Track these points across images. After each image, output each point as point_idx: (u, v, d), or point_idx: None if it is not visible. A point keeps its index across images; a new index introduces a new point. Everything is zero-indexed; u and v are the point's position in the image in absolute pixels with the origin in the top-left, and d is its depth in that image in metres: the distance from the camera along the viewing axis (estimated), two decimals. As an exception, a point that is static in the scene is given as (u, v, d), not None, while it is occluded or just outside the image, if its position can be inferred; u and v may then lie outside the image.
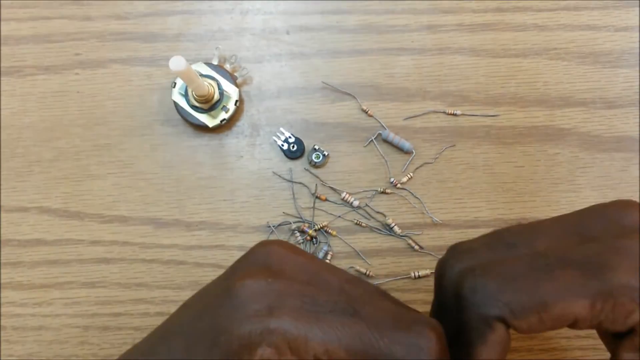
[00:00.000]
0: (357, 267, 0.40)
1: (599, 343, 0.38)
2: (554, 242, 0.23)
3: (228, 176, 0.41)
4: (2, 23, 0.44)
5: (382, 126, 0.42)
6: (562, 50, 0.43)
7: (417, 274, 0.39)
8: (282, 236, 0.40)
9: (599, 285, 0.20)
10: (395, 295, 0.39)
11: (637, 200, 0.40)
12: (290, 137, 0.41)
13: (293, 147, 0.41)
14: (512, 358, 0.39)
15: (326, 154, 0.41)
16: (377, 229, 0.40)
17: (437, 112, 0.42)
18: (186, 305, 0.25)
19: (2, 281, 0.40)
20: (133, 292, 0.40)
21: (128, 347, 0.39)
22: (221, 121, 0.40)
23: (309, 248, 0.40)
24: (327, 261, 0.40)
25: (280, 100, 0.42)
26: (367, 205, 0.41)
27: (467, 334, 0.22)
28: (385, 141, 0.41)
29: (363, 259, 0.40)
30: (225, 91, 0.41)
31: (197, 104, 0.40)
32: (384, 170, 0.41)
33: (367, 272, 0.39)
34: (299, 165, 0.41)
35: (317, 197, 0.41)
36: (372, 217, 0.41)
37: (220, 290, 0.23)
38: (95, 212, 0.41)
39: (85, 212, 0.41)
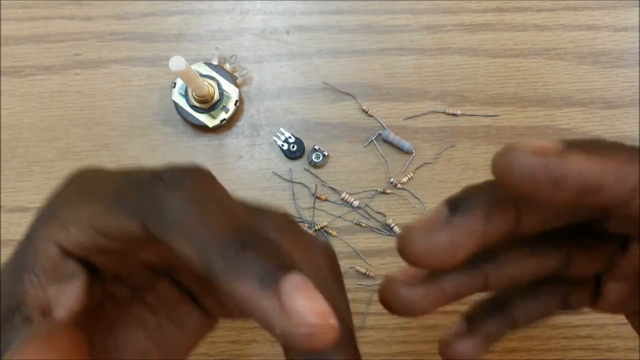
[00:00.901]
0: (357, 267, 0.40)
1: (599, 343, 0.39)
2: None
3: (228, 176, 0.41)
4: (2, 23, 0.44)
5: (382, 126, 0.42)
6: (562, 50, 0.43)
7: (417, 274, 0.39)
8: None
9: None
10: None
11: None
12: (290, 137, 0.41)
13: (293, 147, 0.41)
14: (512, 358, 0.39)
15: (326, 154, 0.41)
16: (377, 229, 0.40)
17: (437, 112, 0.42)
18: None
19: (2, 281, 0.40)
20: (133, 292, 0.40)
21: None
22: (221, 121, 0.40)
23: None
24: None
25: (280, 100, 0.42)
26: (367, 205, 0.41)
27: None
28: (385, 141, 0.41)
29: (363, 259, 0.40)
30: (225, 91, 0.41)
31: (197, 104, 0.40)
32: (384, 170, 0.41)
33: (367, 272, 0.39)
34: (299, 165, 0.41)
35: (317, 197, 0.41)
36: (372, 217, 0.41)
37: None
38: (95, 212, 0.41)
39: (85, 212, 0.41)
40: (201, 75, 0.40)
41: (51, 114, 0.42)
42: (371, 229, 0.40)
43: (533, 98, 0.42)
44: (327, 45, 0.43)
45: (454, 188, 0.41)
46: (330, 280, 0.19)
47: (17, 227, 0.41)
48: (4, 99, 0.42)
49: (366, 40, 0.43)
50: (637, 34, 0.43)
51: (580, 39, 0.43)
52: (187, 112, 0.40)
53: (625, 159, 0.16)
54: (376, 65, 0.43)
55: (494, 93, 0.42)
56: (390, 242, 0.40)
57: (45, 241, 0.19)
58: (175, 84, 0.41)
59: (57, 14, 0.44)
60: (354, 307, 0.39)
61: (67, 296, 0.19)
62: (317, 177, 0.41)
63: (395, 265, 0.40)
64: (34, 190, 0.41)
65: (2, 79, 0.43)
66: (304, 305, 0.14)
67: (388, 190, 0.41)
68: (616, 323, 0.39)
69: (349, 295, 0.40)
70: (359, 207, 0.41)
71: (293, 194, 0.41)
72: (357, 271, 0.40)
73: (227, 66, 0.42)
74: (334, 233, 0.40)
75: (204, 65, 0.41)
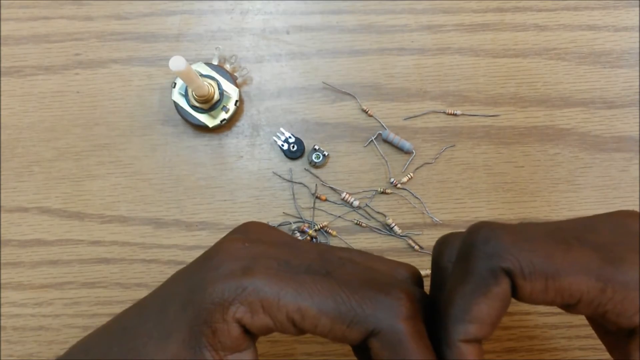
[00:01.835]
0: (357, 267, 0.40)
1: (599, 343, 0.38)
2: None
3: (228, 176, 0.41)
4: (2, 23, 0.44)
5: (382, 126, 0.42)
6: (562, 50, 0.43)
7: (417, 274, 0.39)
8: (282, 236, 0.40)
9: (615, 273, 0.20)
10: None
11: (638, 199, 0.41)
12: (290, 137, 0.41)
13: (293, 147, 0.41)
14: (512, 358, 0.39)
15: (326, 154, 0.41)
16: (377, 229, 0.40)
17: (437, 112, 0.42)
18: (169, 277, 0.26)
19: (2, 281, 0.40)
20: (133, 292, 0.40)
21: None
22: (221, 121, 0.40)
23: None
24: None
25: (280, 100, 0.42)
26: (367, 205, 0.41)
27: (467, 286, 0.21)
28: (385, 141, 0.41)
29: (363, 259, 0.40)
30: (225, 91, 0.41)
31: (197, 104, 0.40)
32: (384, 170, 0.41)
33: (367, 272, 0.39)
34: (299, 165, 0.41)
35: (317, 197, 0.41)
36: (372, 217, 0.41)
37: (200, 257, 0.24)
38: (95, 212, 0.41)
39: (85, 212, 0.41)
40: (201, 75, 0.40)
41: (51, 114, 0.42)
42: (371, 229, 0.40)
43: (533, 98, 0.42)
44: (327, 45, 0.43)
45: (454, 188, 0.41)
46: None
47: (17, 227, 0.41)
48: (4, 99, 0.42)
49: (366, 40, 0.43)
50: (637, 34, 0.43)
51: (580, 39, 0.43)
52: (187, 112, 0.40)
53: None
54: (376, 65, 0.43)
55: (494, 93, 0.42)
56: (390, 242, 0.40)
57: (226, 323, 0.20)
58: (175, 84, 0.41)
59: (57, 14, 0.44)
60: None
61: None
62: (317, 177, 0.41)
63: (395, 265, 0.40)
64: (34, 190, 0.41)
65: (2, 79, 0.43)
66: None
67: (388, 190, 0.41)
68: (616, 323, 0.39)
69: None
70: (359, 207, 0.41)
71: (293, 194, 0.41)
72: (357, 271, 0.40)
73: (227, 66, 0.42)
74: (334, 233, 0.40)
75: (204, 65, 0.41)
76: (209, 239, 0.40)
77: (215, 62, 0.41)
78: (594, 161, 0.41)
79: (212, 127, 0.40)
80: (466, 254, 0.21)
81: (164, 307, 0.22)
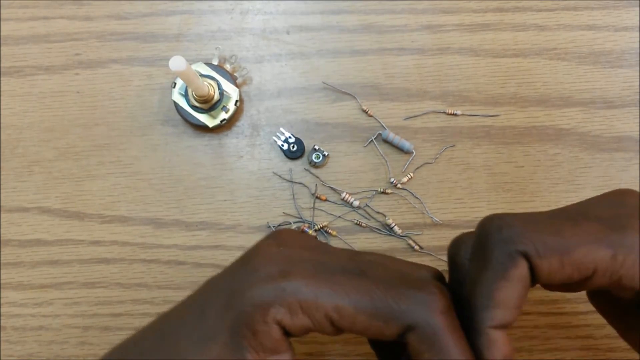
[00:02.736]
0: (357, 267, 0.40)
1: (599, 343, 0.39)
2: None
3: (228, 176, 0.41)
4: (2, 23, 0.44)
5: (382, 126, 0.42)
6: (562, 50, 0.43)
7: (417, 274, 0.39)
8: (282, 236, 0.40)
9: (622, 238, 0.21)
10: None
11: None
12: (290, 137, 0.41)
13: (293, 147, 0.41)
14: (511, 358, 0.39)
15: (326, 154, 0.41)
16: (377, 229, 0.40)
17: (437, 112, 0.42)
18: (205, 282, 0.26)
19: (2, 281, 0.40)
20: (133, 292, 0.40)
21: (128, 347, 0.39)
22: (221, 121, 0.40)
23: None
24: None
25: (280, 100, 0.42)
26: (367, 205, 0.41)
27: (487, 273, 0.21)
28: (385, 141, 0.41)
29: (363, 259, 0.40)
30: (225, 91, 0.41)
31: (197, 104, 0.40)
32: (384, 170, 0.41)
33: (367, 272, 0.39)
34: (299, 165, 0.41)
35: (317, 197, 0.41)
36: (372, 217, 0.41)
37: (236, 262, 0.25)
38: (95, 212, 0.41)
39: (85, 212, 0.41)
40: (201, 75, 0.40)
41: (51, 114, 0.42)
42: (371, 229, 0.40)
43: (533, 98, 0.42)
44: (327, 45, 0.43)
45: (454, 188, 0.41)
46: None
47: (17, 227, 0.41)
48: (4, 99, 0.42)
49: (366, 40, 0.43)
50: (637, 34, 0.43)
51: (580, 39, 0.43)
52: (187, 112, 0.40)
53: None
54: (376, 65, 0.43)
55: (494, 93, 0.42)
56: (391, 242, 0.40)
57: (267, 325, 0.21)
58: (175, 84, 0.41)
59: (57, 14, 0.44)
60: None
61: None
62: (317, 177, 0.41)
63: (395, 265, 0.40)
64: (34, 190, 0.41)
65: (2, 79, 0.43)
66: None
67: (388, 190, 0.41)
68: (616, 323, 0.39)
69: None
70: (359, 207, 0.41)
71: (293, 194, 0.41)
72: (357, 271, 0.40)
73: (227, 66, 0.42)
74: (334, 233, 0.40)
75: (204, 65, 0.41)
76: (209, 239, 0.40)
77: (215, 62, 0.41)
78: (594, 161, 0.41)
79: (212, 127, 0.40)
80: (482, 244, 0.22)
81: (203, 311, 0.23)
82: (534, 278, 0.21)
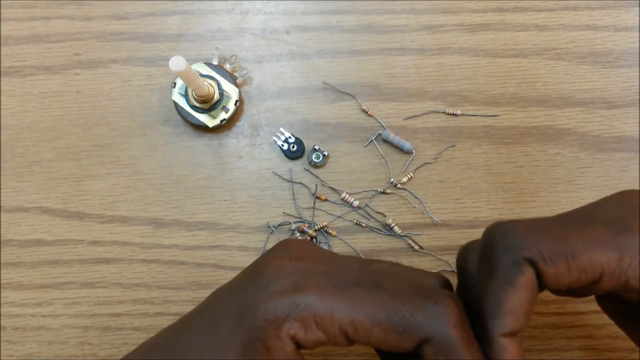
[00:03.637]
0: (357, 267, 0.40)
1: (599, 343, 0.39)
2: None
3: (228, 176, 0.41)
4: (2, 23, 0.44)
5: (382, 126, 0.42)
6: (562, 50, 0.43)
7: (417, 274, 0.39)
8: (283, 236, 0.40)
9: (628, 240, 0.21)
10: (395, 295, 0.40)
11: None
12: (290, 137, 0.41)
13: (293, 147, 0.41)
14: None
15: (326, 154, 0.41)
16: (377, 229, 0.40)
17: (437, 112, 0.42)
18: (212, 294, 0.26)
19: (2, 281, 0.40)
20: (133, 292, 0.40)
21: (128, 347, 0.39)
22: (221, 121, 0.40)
23: (309, 248, 0.40)
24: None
25: (280, 100, 0.42)
26: (367, 205, 0.41)
27: (495, 281, 0.21)
28: (385, 141, 0.41)
29: (363, 259, 0.40)
30: (225, 91, 0.41)
31: (197, 104, 0.40)
32: (384, 170, 0.41)
33: (367, 272, 0.39)
34: (299, 165, 0.41)
35: (317, 197, 0.41)
36: (372, 217, 0.41)
37: (246, 275, 0.24)
38: (95, 212, 0.41)
39: (85, 212, 0.41)
40: (201, 75, 0.40)
41: (51, 114, 0.42)
42: (371, 229, 0.40)
43: (533, 98, 0.42)
44: (327, 45, 0.43)
45: (454, 188, 0.41)
46: None
47: (17, 227, 0.41)
48: (4, 99, 0.42)
49: (366, 40, 0.43)
50: (637, 34, 0.43)
51: (580, 39, 0.43)
52: (187, 112, 0.40)
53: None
54: (376, 65, 0.43)
55: (494, 93, 0.42)
56: (390, 242, 0.40)
57: (280, 340, 0.21)
58: (175, 84, 0.41)
59: (57, 14, 0.44)
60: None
61: None
62: (317, 177, 0.41)
63: (395, 265, 0.40)
64: (34, 190, 0.41)
65: (2, 79, 0.43)
66: None
67: (388, 190, 0.41)
68: (616, 323, 0.39)
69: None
70: (359, 207, 0.41)
71: (293, 194, 0.41)
72: (357, 271, 0.40)
73: (227, 66, 0.42)
74: (334, 233, 0.40)
75: (204, 65, 0.41)
76: (209, 239, 0.40)
77: (215, 62, 0.41)
78: (594, 161, 0.41)
79: (212, 127, 0.40)
80: (488, 253, 0.22)
81: (213, 325, 0.22)
82: (542, 284, 0.21)
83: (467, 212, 0.41)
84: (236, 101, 0.41)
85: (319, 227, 0.40)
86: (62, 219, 0.41)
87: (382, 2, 0.44)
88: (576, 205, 0.41)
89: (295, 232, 0.40)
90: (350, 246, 0.40)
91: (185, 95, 0.40)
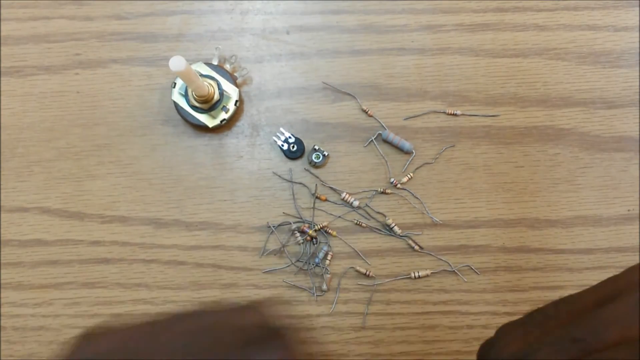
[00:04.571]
0: (357, 267, 0.40)
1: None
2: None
3: (228, 176, 0.41)
4: (2, 23, 0.44)
5: (382, 126, 0.42)
6: (562, 50, 0.43)
7: (417, 274, 0.39)
8: (282, 236, 0.40)
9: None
10: (395, 295, 0.40)
11: (638, 199, 0.40)
12: (290, 137, 0.41)
13: (293, 147, 0.41)
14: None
15: (326, 154, 0.41)
16: (377, 229, 0.40)
17: (437, 112, 0.42)
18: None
19: (2, 281, 0.40)
20: (133, 292, 0.40)
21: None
22: (221, 121, 0.40)
23: (309, 248, 0.40)
24: (327, 262, 0.40)
25: (280, 100, 0.42)
26: (367, 205, 0.41)
27: None
28: (385, 141, 0.41)
29: (363, 259, 0.40)
30: (225, 91, 0.41)
31: (197, 104, 0.40)
32: (384, 170, 0.41)
33: (367, 272, 0.39)
34: (299, 165, 0.41)
35: (317, 198, 0.41)
36: (372, 218, 0.41)
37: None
38: (95, 212, 0.41)
39: (85, 212, 0.41)
40: (201, 75, 0.40)
41: (51, 114, 0.42)
42: (371, 229, 0.40)
43: (533, 98, 0.42)
44: (327, 45, 0.43)
45: (454, 188, 0.41)
46: None
47: (17, 227, 0.41)
48: (4, 99, 0.42)
49: (366, 40, 0.43)
50: (637, 34, 0.43)
51: (580, 39, 0.43)
52: (187, 112, 0.40)
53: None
54: (376, 65, 0.43)
55: (494, 93, 0.42)
56: (391, 242, 0.40)
57: None
58: (175, 84, 0.41)
59: (57, 14, 0.44)
60: (354, 307, 0.40)
61: None
62: (317, 177, 0.41)
63: (395, 265, 0.40)
64: (34, 190, 0.41)
65: (2, 79, 0.43)
66: None
67: (388, 190, 0.41)
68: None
69: (350, 295, 0.40)
70: (359, 207, 0.41)
71: (293, 194, 0.41)
72: (357, 271, 0.40)
73: (227, 66, 0.42)
74: (334, 233, 0.40)
75: (204, 65, 0.41)
76: (209, 239, 0.40)
77: (215, 62, 0.41)
78: (594, 161, 0.41)
79: (212, 127, 0.40)
80: None
81: None
82: None
83: (467, 212, 0.41)
84: (236, 101, 0.41)
85: (319, 227, 0.40)
86: (62, 219, 0.41)
87: (382, 2, 0.44)
88: (576, 206, 0.41)
89: (296, 232, 0.40)
90: (350, 246, 0.40)
91: (185, 95, 0.40)
